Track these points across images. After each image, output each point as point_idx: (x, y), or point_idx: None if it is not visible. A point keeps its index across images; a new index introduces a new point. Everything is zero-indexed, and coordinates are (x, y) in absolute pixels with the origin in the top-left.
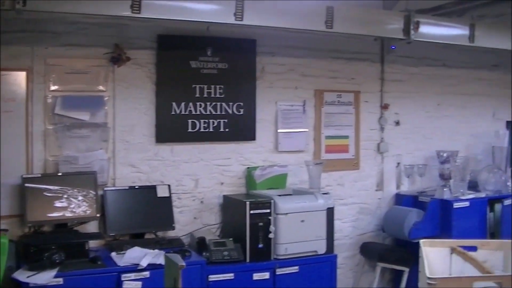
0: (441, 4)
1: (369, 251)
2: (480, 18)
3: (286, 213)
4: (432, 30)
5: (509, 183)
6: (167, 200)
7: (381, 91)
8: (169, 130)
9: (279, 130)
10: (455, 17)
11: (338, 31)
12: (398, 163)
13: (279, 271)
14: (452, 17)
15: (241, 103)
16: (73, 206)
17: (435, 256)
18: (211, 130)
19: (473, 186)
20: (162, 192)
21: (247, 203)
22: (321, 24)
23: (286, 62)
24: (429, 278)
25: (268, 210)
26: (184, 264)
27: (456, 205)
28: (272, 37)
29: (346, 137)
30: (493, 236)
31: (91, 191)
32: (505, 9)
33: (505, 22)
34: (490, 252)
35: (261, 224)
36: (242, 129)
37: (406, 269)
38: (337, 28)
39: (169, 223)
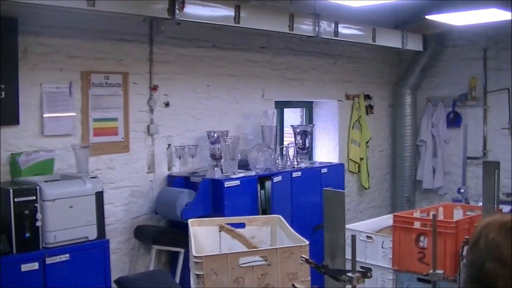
0: None
1: (143, 234)
2: (245, 1)
3: (53, 199)
4: (198, 10)
5: (278, 161)
6: None
7: (150, 73)
8: None
9: (44, 114)
10: None
11: (100, 9)
12: (169, 145)
13: (49, 260)
14: None
15: (2, 86)
16: None
17: (204, 235)
18: None
19: (244, 165)
20: None
21: (11, 190)
22: (83, 1)
23: (51, 43)
24: (195, 256)
25: (33, 197)
26: None
27: (227, 184)
28: (36, 16)
29: (115, 119)
30: (265, 212)
31: None
32: None
33: (270, 5)
34: (258, 228)
35: (27, 212)
36: (4, 113)
37: (182, 250)
38: (99, 6)
39: None
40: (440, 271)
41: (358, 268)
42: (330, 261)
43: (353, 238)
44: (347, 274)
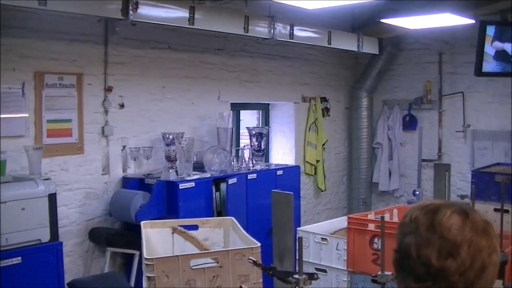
0: None
1: (97, 237)
2: (200, 2)
3: (5, 202)
4: (152, 11)
5: (233, 163)
6: None
7: (104, 74)
8: None
9: None
10: None
11: (52, 9)
12: (124, 146)
13: (0, 264)
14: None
15: None
16: None
17: (157, 237)
18: None
19: (199, 167)
20: None
21: None
22: (34, 1)
23: (3, 42)
24: (146, 258)
25: None
26: None
27: (182, 186)
28: None
29: (69, 120)
30: (220, 214)
31: None
32: None
33: (225, 7)
34: (211, 230)
35: None
36: None
37: (137, 252)
38: (51, 6)
39: None
40: (388, 273)
41: (312, 270)
42: (279, 263)
43: (299, 240)
44: (294, 276)
